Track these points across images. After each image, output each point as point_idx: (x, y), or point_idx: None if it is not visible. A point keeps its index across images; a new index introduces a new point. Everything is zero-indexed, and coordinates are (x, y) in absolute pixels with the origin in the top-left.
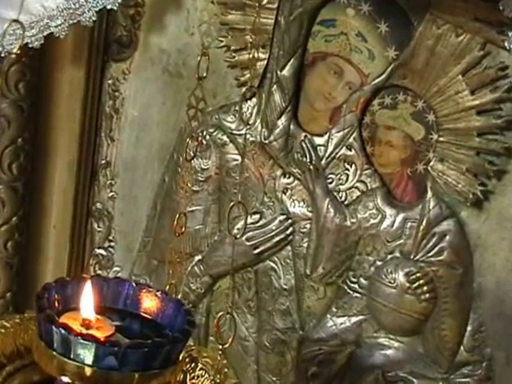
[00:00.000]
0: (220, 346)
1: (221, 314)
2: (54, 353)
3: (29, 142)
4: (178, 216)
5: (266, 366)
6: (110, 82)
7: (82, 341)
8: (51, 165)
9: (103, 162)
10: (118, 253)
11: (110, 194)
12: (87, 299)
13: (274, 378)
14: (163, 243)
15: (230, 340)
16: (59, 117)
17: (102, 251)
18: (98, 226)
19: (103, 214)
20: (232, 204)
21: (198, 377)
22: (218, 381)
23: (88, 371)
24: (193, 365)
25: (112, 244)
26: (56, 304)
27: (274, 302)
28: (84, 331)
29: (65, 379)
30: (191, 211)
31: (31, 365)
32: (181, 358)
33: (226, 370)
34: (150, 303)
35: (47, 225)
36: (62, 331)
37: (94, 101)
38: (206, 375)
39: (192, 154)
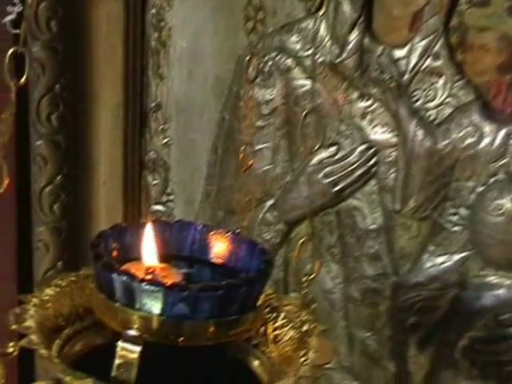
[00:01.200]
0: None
1: (303, 240)
2: (117, 305)
3: (67, 88)
4: (244, 147)
5: (357, 320)
6: (153, 11)
7: (147, 287)
8: (94, 113)
9: (153, 104)
10: (179, 207)
11: (164, 141)
12: (149, 246)
13: (367, 334)
14: (229, 191)
15: (317, 267)
16: (98, 57)
17: (159, 207)
18: (154, 179)
19: (158, 164)
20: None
21: (281, 327)
22: (304, 329)
23: (156, 322)
24: (274, 314)
25: (171, 198)
26: (114, 253)
27: (361, 245)
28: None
29: (131, 333)
30: (258, 150)
31: (93, 327)
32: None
33: (311, 316)
34: (219, 246)
35: (96, 182)
36: (124, 278)
37: (136, 35)
38: (290, 324)
39: (255, 74)
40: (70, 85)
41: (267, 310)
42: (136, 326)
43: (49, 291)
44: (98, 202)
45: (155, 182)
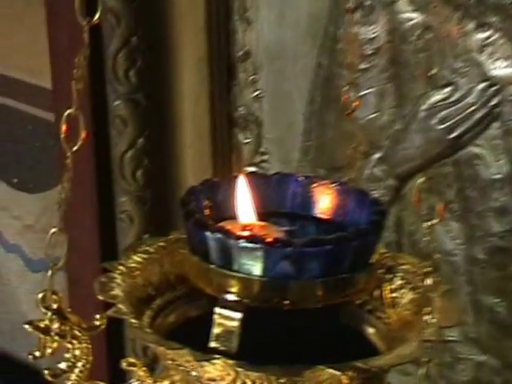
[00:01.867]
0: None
1: (422, 179)
2: (213, 266)
3: (145, 41)
4: (346, 87)
5: (483, 284)
6: None
7: (245, 245)
8: (176, 68)
9: (240, 53)
10: (274, 167)
11: (255, 94)
12: (245, 202)
13: (496, 300)
14: (330, 145)
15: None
16: (177, 4)
17: (253, 169)
18: (245, 138)
19: (249, 120)
20: None
21: (398, 289)
22: (427, 284)
23: (257, 283)
24: (390, 275)
25: (265, 157)
26: (206, 211)
27: (485, 199)
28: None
29: (230, 298)
30: (361, 96)
31: (186, 297)
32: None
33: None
34: (324, 200)
35: (181, 144)
36: (219, 236)
37: None
38: (409, 286)
39: (354, 7)
40: (147, 36)
41: (382, 270)
42: (235, 289)
43: (136, 258)
44: (184, 167)
45: (247, 140)
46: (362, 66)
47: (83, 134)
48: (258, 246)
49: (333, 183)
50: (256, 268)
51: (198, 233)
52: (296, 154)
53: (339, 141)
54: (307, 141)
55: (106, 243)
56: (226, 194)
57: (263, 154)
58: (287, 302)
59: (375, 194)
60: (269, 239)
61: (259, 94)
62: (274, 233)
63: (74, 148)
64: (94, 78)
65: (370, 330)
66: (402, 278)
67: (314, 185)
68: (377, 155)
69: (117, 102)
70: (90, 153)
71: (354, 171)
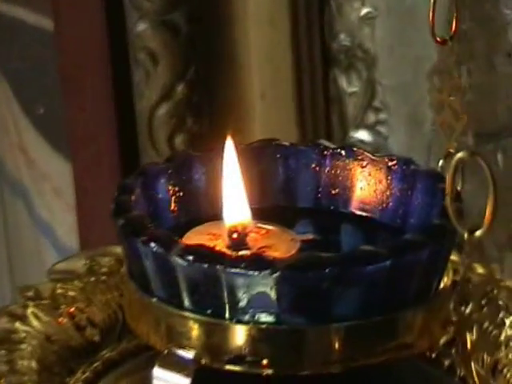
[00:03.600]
0: None
1: None
2: (154, 300)
3: None
4: None
5: None
6: None
7: (234, 270)
8: None
9: None
10: (396, 132)
11: (363, 12)
12: (236, 190)
13: None
14: (487, 99)
15: None
16: None
17: (362, 134)
18: (349, 83)
19: (355, 56)
20: None
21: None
22: None
23: (241, 332)
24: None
25: (381, 116)
26: (174, 207)
27: None
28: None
29: (180, 353)
30: None
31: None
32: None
33: None
34: (367, 187)
35: (248, 94)
36: (158, 249)
37: None
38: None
39: None
40: None
41: (458, 297)
42: (188, 340)
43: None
44: (252, 130)
45: (352, 88)
46: None
47: None
48: (245, 271)
49: (385, 160)
50: (263, 315)
51: (131, 244)
52: (428, 112)
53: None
54: None
55: None
56: (199, 176)
57: (378, 110)
58: (275, 364)
59: None
60: (272, 256)
61: (369, 13)
62: (282, 244)
63: None
64: None
65: None
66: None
67: (352, 162)
68: None
69: (141, 27)
70: (106, 111)
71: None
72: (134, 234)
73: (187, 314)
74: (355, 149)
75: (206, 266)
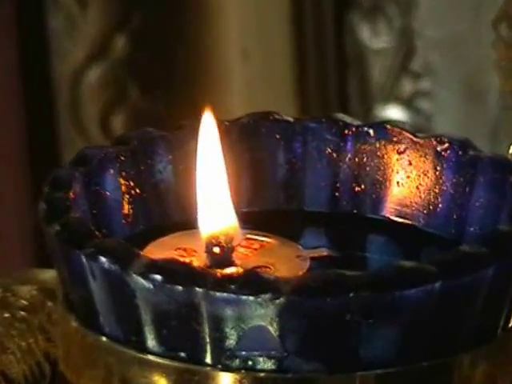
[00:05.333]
0: None
1: None
2: (105, 340)
3: None
4: None
5: None
6: None
7: (220, 295)
8: None
9: None
10: (444, 102)
11: None
12: (213, 182)
13: None
14: None
15: None
16: None
17: (394, 109)
18: (374, 35)
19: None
20: None
21: None
22: None
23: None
24: None
25: (424, 86)
26: (126, 210)
27: None
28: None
29: None
30: None
31: None
32: None
33: None
34: (411, 180)
35: (227, 51)
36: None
37: None
38: None
39: None
40: None
41: None
42: None
43: None
44: (231, 98)
45: (379, 43)
46: None
47: None
48: (238, 297)
49: (434, 143)
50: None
51: (71, 259)
52: (492, 77)
53: None
54: None
55: None
56: (173, 167)
57: (417, 76)
58: None
59: None
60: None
61: None
62: (286, 264)
63: None
64: None
65: None
66: None
67: (385, 146)
68: None
69: None
70: (6, 76)
71: None
72: (74, 245)
73: (152, 358)
74: (389, 126)
75: (179, 288)
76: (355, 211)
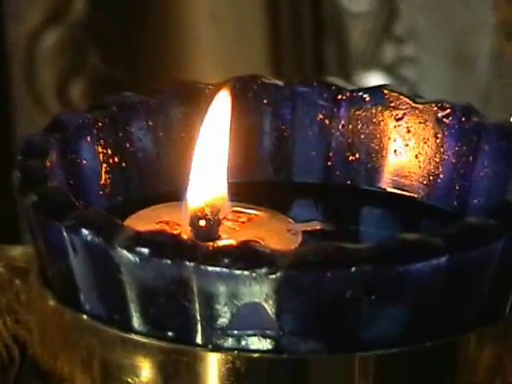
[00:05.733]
0: None
1: None
2: (86, 318)
3: None
4: None
5: None
6: None
7: (212, 269)
8: None
9: None
10: (426, 73)
11: None
12: (199, 148)
13: None
14: None
15: None
16: None
17: (373, 77)
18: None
19: None
20: None
21: None
22: None
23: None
24: None
25: (407, 52)
26: (101, 189)
27: None
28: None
29: None
30: None
31: None
32: None
33: None
34: (410, 148)
35: (194, 15)
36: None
37: None
38: None
39: None
40: None
41: None
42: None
43: None
44: (200, 64)
45: (359, 7)
46: None
47: None
48: (229, 271)
49: (434, 109)
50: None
51: (49, 231)
52: (482, 40)
53: None
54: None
55: None
56: (153, 134)
57: (401, 41)
58: None
59: None
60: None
61: None
62: (276, 239)
63: None
64: None
65: None
66: None
67: (381, 112)
68: None
69: None
70: None
71: None
72: (53, 217)
73: (137, 338)
74: (386, 91)
75: (167, 262)
76: (349, 182)
